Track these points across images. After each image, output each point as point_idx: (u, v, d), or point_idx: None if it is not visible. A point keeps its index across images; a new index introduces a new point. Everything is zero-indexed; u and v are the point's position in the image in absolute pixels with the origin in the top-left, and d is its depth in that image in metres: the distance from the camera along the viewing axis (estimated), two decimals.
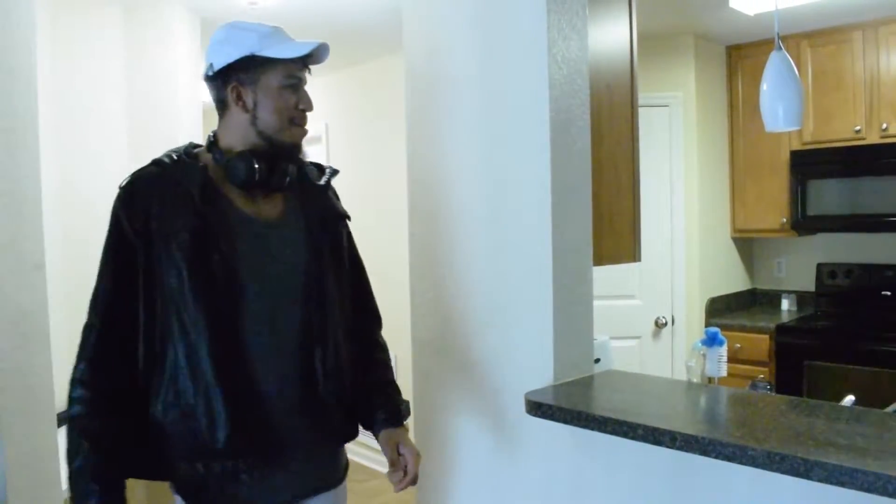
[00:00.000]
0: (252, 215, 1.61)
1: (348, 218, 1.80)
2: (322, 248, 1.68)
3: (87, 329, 1.53)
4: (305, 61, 1.61)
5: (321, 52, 1.61)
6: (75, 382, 1.51)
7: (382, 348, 1.89)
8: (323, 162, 1.78)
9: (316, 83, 1.72)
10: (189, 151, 1.62)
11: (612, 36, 2.24)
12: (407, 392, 1.98)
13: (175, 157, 1.58)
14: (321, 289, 1.66)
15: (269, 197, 1.65)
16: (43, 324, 1.94)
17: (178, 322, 1.51)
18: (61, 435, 2.20)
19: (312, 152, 5.18)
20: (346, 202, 1.83)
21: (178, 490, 1.58)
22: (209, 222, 1.52)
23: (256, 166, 1.56)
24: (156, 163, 1.58)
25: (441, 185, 2.20)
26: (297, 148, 1.65)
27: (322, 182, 1.74)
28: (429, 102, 2.24)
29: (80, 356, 1.52)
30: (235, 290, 1.55)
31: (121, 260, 1.52)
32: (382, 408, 1.79)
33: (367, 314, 1.87)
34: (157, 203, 1.51)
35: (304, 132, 1.65)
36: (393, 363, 1.91)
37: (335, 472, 1.76)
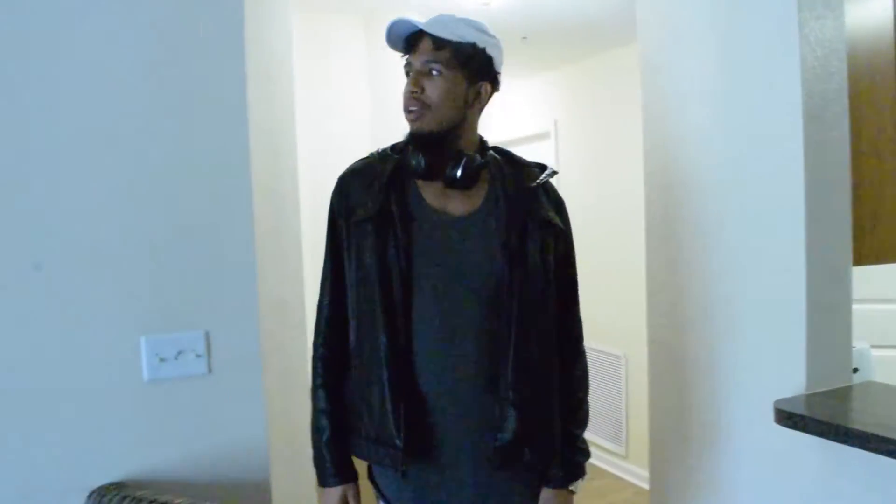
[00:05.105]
0: (437, 208, 1.58)
1: (559, 227, 1.64)
2: (516, 251, 1.55)
3: (319, 308, 1.65)
4: (405, 49, 1.59)
5: (394, 32, 1.56)
6: (315, 359, 1.65)
7: (580, 383, 1.71)
8: (548, 162, 1.73)
9: (543, 78, 1.71)
10: (396, 145, 1.66)
11: (872, 11, 2.03)
12: (641, 393, 1.92)
13: (381, 151, 1.66)
14: (511, 294, 1.53)
15: (466, 192, 1.60)
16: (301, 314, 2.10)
17: (361, 308, 1.56)
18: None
19: (540, 149, 5.20)
20: (576, 200, 1.76)
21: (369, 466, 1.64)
22: (389, 211, 1.54)
23: (414, 159, 1.56)
24: (366, 157, 1.67)
25: (680, 182, 2.12)
26: (415, 136, 1.57)
27: (534, 185, 1.63)
28: (666, 93, 2.17)
29: (317, 333, 1.66)
30: (409, 280, 1.53)
31: (335, 244, 1.62)
32: (560, 462, 1.65)
33: (568, 340, 1.69)
34: (355, 192, 1.59)
35: (411, 118, 1.57)
36: (623, 364, 1.82)
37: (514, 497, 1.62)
